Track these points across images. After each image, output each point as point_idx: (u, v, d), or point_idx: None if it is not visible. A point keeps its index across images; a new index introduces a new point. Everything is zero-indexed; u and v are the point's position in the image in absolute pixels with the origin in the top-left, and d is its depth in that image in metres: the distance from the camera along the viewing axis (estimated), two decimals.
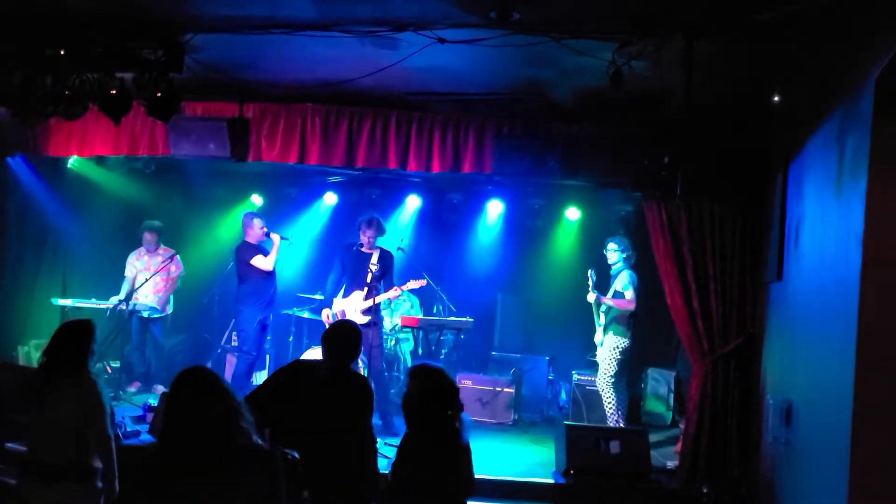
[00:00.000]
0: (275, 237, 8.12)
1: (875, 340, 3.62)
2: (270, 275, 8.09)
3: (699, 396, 6.34)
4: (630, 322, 7.39)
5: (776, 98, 5.18)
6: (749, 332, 6.28)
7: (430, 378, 3.86)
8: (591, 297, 7.60)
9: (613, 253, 7.59)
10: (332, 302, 7.81)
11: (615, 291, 7.45)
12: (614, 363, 7.38)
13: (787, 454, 5.16)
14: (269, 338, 9.00)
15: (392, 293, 7.72)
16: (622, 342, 7.36)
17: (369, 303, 7.51)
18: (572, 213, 9.94)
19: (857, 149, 3.84)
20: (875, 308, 3.62)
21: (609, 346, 7.41)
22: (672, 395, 8.64)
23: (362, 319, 7.48)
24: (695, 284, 6.31)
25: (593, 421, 7.83)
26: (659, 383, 8.76)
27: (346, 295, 7.78)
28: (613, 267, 7.63)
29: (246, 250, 8.07)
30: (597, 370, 8.32)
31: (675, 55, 5.05)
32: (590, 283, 7.67)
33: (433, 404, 3.78)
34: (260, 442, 2.90)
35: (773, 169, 5.91)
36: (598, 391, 8.10)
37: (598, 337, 7.63)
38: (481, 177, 7.84)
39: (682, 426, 7.28)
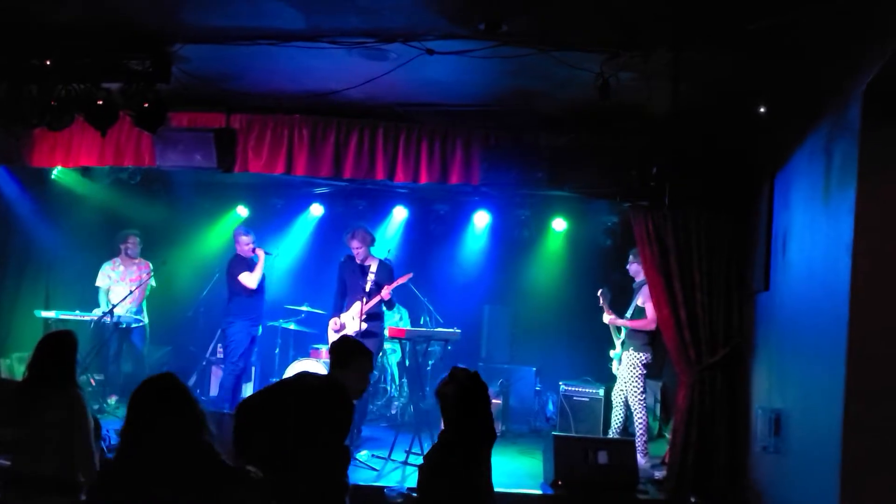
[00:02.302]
0: (260, 253, 8.09)
1: (866, 348, 3.64)
2: (260, 290, 8.09)
3: (687, 406, 6.34)
4: (649, 336, 7.09)
5: (762, 109, 5.24)
6: (736, 341, 6.30)
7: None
8: (608, 318, 7.33)
9: (638, 267, 7.21)
10: (337, 314, 7.72)
11: (636, 307, 7.21)
12: (639, 380, 7.10)
13: (776, 463, 5.18)
14: (255, 349, 8.95)
15: (384, 293, 7.59)
16: (643, 357, 7.08)
17: (363, 307, 7.45)
18: (559, 224, 9.95)
19: (846, 159, 3.87)
20: (865, 316, 3.64)
21: (630, 364, 7.12)
22: (659, 406, 8.66)
23: (360, 326, 7.45)
24: (682, 294, 6.31)
25: (580, 431, 7.82)
26: (646, 394, 8.77)
27: (348, 307, 7.68)
28: (636, 280, 7.34)
29: (237, 265, 8.04)
30: (585, 381, 8.38)
31: (662, 66, 5.09)
32: (602, 303, 7.40)
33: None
34: (222, 456, 2.85)
35: (760, 179, 5.95)
36: (584, 401, 8.13)
37: (617, 350, 7.37)
38: (468, 188, 7.83)
39: (669, 436, 7.27)
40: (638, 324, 7.10)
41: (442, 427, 3.91)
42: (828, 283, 4.12)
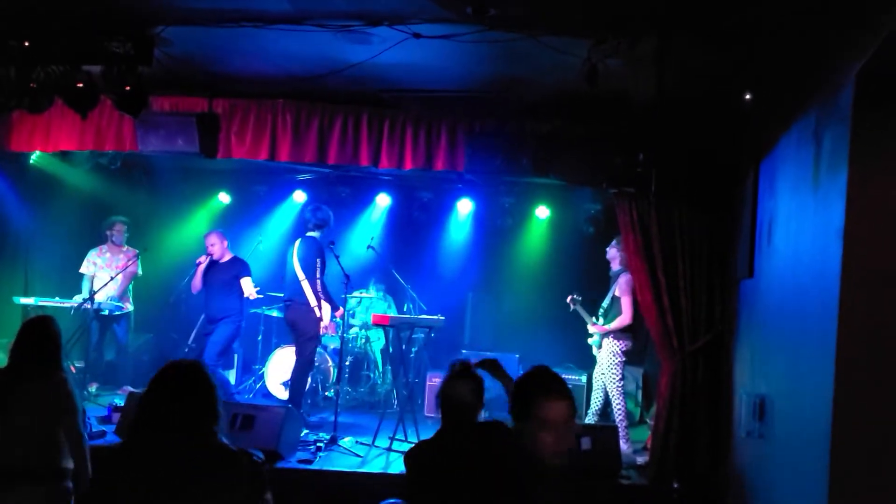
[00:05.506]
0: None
1: (856, 333, 3.63)
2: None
3: (669, 393, 6.36)
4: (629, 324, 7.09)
5: (748, 96, 5.24)
6: (719, 328, 6.33)
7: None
8: (593, 328, 7.26)
9: (616, 253, 7.26)
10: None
11: (612, 296, 7.19)
12: (618, 368, 7.09)
13: (760, 448, 5.20)
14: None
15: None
16: (622, 345, 7.09)
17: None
18: (542, 212, 9.98)
19: (837, 144, 3.86)
20: (856, 301, 3.63)
21: (610, 351, 7.11)
22: (641, 392, 8.71)
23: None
24: (665, 281, 6.32)
25: None
26: (627, 380, 8.81)
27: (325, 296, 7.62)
28: (612, 266, 7.34)
29: (244, 266, 8.13)
30: (567, 368, 8.40)
31: (648, 53, 5.08)
32: (574, 307, 7.44)
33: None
34: (226, 442, 2.83)
35: (744, 166, 5.95)
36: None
37: (594, 338, 7.31)
38: (452, 175, 7.81)
39: (650, 422, 7.29)
40: (617, 325, 7.07)
41: (426, 413, 3.85)
42: (816, 269, 4.12)
